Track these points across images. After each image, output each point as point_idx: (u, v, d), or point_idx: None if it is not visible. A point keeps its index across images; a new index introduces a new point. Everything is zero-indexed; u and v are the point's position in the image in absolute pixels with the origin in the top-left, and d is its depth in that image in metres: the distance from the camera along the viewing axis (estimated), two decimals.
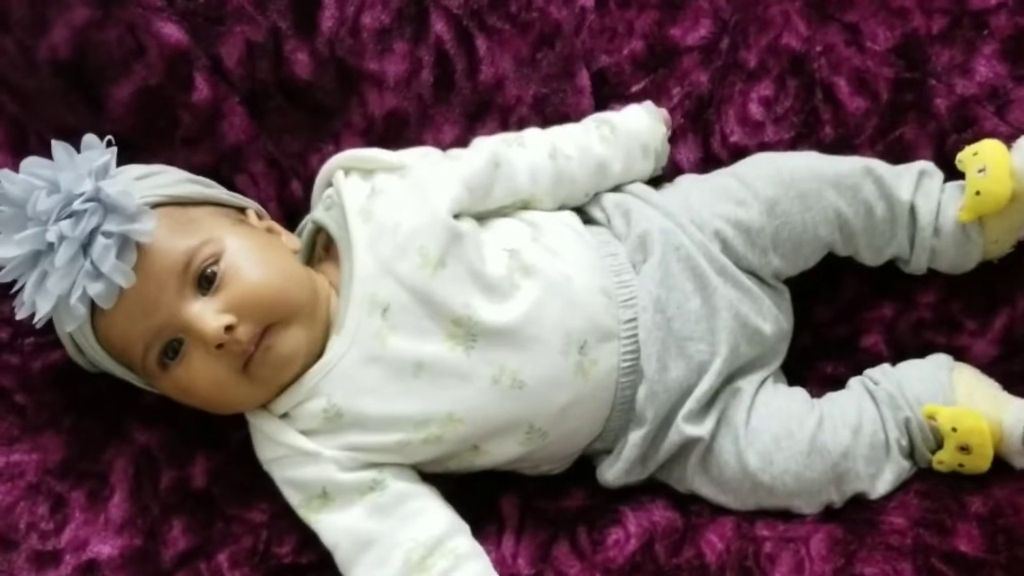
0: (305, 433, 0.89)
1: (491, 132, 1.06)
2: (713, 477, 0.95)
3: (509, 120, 1.07)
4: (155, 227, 0.85)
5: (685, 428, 0.93)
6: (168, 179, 0.93)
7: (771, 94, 1.06)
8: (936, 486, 0.95)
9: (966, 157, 0.96)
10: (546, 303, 0.90)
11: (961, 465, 0.94)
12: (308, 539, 0.91)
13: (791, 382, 1.03)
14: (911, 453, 0.96)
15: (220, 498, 0.95)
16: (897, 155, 1.01)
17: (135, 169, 0.92)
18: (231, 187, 1.02)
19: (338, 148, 1.04)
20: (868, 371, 1.01)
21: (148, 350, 0.86)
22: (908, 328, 1.04)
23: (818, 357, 1.07)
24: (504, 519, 0.96)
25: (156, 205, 0.88)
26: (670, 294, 0.94)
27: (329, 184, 0.97)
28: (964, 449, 0.93)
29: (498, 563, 0.91)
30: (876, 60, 1.02)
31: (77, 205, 0.82)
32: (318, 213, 0.96)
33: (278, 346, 0.87)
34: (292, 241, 0.97)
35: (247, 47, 1.01)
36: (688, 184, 1.03)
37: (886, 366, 1.00)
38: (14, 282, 0.85)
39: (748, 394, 0.96)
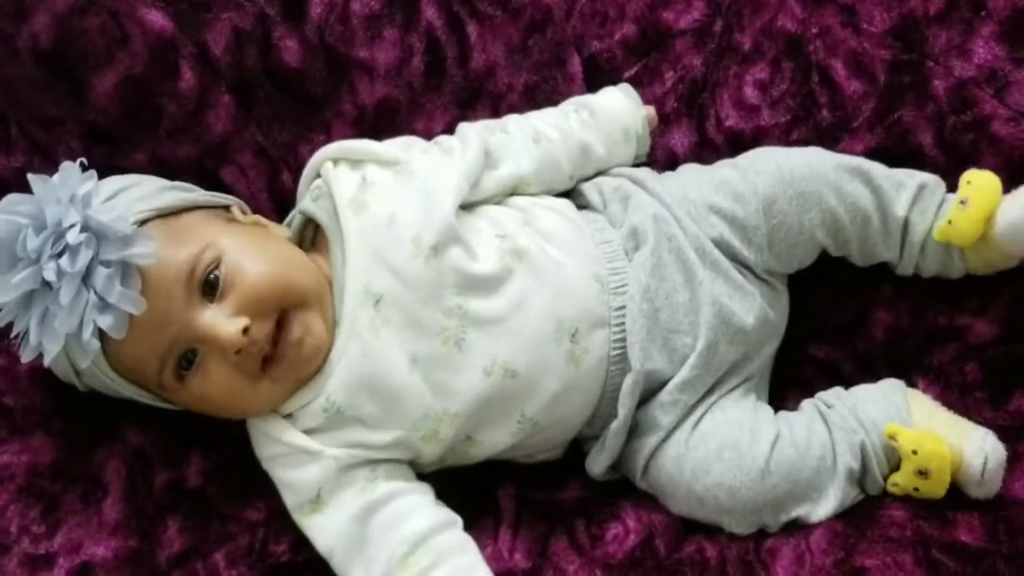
0: (308, 432, 0.88)
1: (482, 119, 1.03)
2: (652, 477, 0.94)
3: (500, 107, 1.06)
4: (154, 248, 0.82)
5: (658, 415, 0.92)
6: (148, 189, 0.90)
7: (766, 77, 1.05)
8: None
9: (963, 180, 0.97)
10: (537, 291, 0.90)
11: (916, 489, 0.91)
12: (305, 537, 0.89)
13: (783, 364, 1.02)
14: (861, 479, 0.94)
15: (216, 497, 0.94)
16: (896, 138, 1.01)
17: (107, 185, 0.88)
18: (218, 179, 1.01)
19: (329, 137, 1.02)
20: (820, 394, 0.99)
21: (163, 365, 0.84)
22: (908, 306, 1.03)
23: (814, 340, 1.06)
24: (501, 512, 0.95)
25: (145, 221, 0.85)
26: (660, 284, 0.93)
27: (317, 176, 0.96)
28: (922, 473, 0.90)
29: (495, 557, 0.90)
30: (873, 42, 1.01)
31: (70, 238, 0.78)
32: (306, 204, 0.95)
33: (301, 336, 0.86)
34: (281, 231, 0.95)
35: (234, 34, 0.99)
36: (690, 174, 1.01)
37: (839, 389, 0.99)
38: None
39: (710, 400, 0.94)
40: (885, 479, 0.93)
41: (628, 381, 0.92)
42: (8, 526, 0.88)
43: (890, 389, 0.97)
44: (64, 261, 0.78)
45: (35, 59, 0.94)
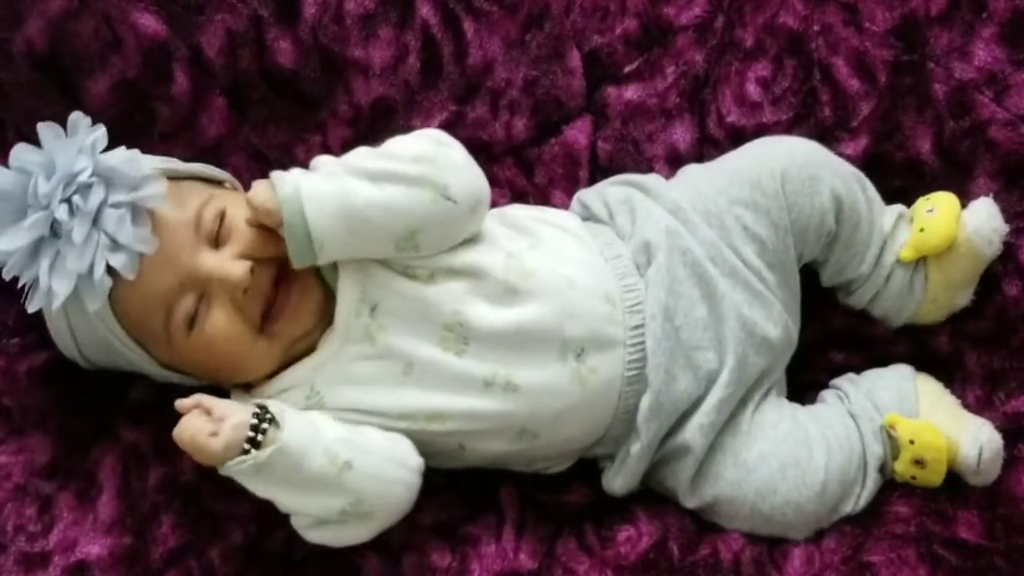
0: None
1: (480, 116, 1.04)
2: (704, 498, 0.92)
3: (499, 102, 1.05)
4: (164, 190, 0.83)
5: (695, 438, 0.91)
6: (152, 158, 0.91)
7: (768, 74, 1.03)
8: None
9: (919, 203, 0.98)
10: (542, 309, 0.88)
11: (913, 478, 0.94)
12: (299, 533, 0.90)
13: (793, 367, 1.01)
14: (882, 465, 0.95)
15: (209, 493, 0.95)
16: (896, 142, 1.00)
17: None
18: None
19: (325, 138, 1.03)
20: (835, 381, 1.00)
21: (170, 314, 0.85)
22: None
23: (823, 342, 1.05)
24: (504, 512, 0.95)
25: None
26: (678, 301, 0.91)
27: None
28: (919, 463, 0.93)
29: (499, 556, 0.91)
30: (875, 41, 1.00)
31: (81, 179, 0.80)
32: None
33: (300, 295, 0.87)
34: None
35: (228, 36, 0.99)
36: (696, 173, 1.00)
37: (852, 375, 1.00)
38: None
39: (749, 410, 0.94)
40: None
41: (645, 403, 0.90)
42: (5, 525, 0.89)
43: (901, 376, 0.98)
44: (76, 199, 0.79)
45: (30, 63, 0.95)
